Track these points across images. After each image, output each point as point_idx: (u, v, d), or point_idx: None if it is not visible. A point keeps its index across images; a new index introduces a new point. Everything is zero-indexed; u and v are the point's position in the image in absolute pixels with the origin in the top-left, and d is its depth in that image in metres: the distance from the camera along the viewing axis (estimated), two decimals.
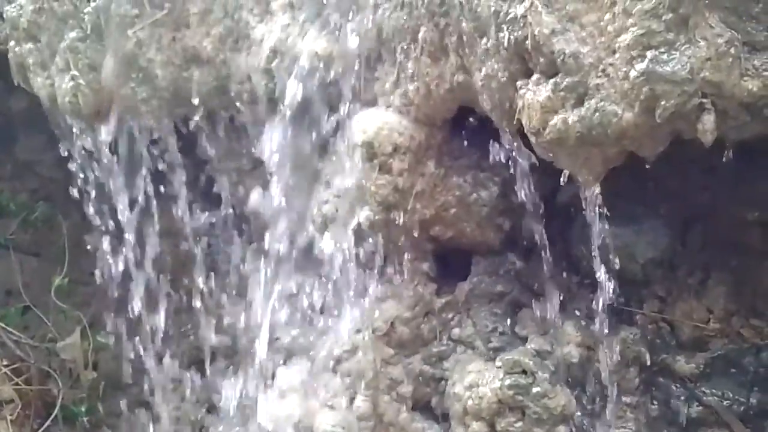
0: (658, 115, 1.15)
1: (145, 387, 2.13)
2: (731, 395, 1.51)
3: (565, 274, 1.59)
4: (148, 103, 1.79)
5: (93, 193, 1.97)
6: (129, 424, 2.21)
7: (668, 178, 1.46)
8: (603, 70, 1.18)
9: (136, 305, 2.05)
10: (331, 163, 1.62)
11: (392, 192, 1.53)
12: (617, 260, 1.45)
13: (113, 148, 1.89)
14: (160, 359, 2.12)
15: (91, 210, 1.99)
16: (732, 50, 1.11)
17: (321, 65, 1.55)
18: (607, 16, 1.17)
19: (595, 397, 1.57)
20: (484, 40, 1.31)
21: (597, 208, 1.35)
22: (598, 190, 1.32)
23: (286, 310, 1.73)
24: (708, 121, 1.14)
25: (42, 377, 2.32)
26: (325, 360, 1.70)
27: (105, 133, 1.86)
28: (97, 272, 2.05)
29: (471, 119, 1.50)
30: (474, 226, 1.59)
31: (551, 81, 1.23)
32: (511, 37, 1.26)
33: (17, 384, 2.27)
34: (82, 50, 1.80)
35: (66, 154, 1.95)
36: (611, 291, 1.45)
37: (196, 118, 1.80)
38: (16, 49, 1.90)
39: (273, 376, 1.77)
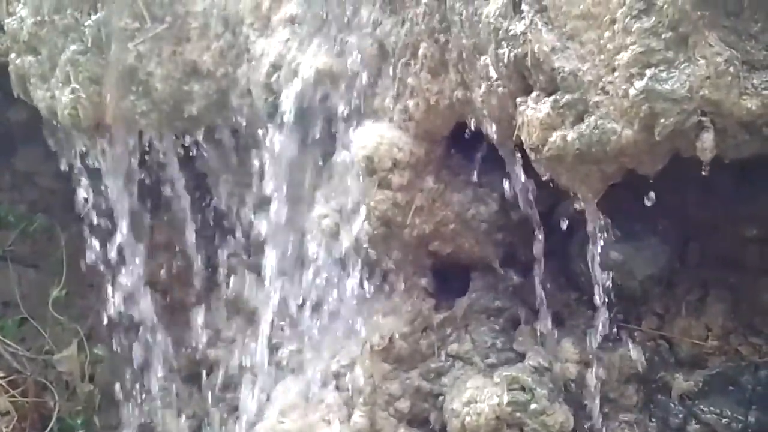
0: (657, 133, 1.15)
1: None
2: (729, 413, 1.50)
3: (563, 291, 1.59)
4: (148, 116, 1.79)
5: (91, 205, 1.98)
6: None
7: (667, 196, 1.46)
8: (602, 88, 1.19)
9: (133, 318, 2.05)
10: (330, 177, 1.62)
11: (391, 207, 1.53)
12: (616, 277, 1.45)
13: (112, 161, 1.89)
14: (156, 372, 2.11)
15: (88, 221, 1.99)
16: (731, 69, 1.11)
17: (321, 80, 1.55)
18: (607, 34, 1.17)
19: (593, 414, 1.56)
20: (484, 56, 1.32)
21: (596, 225, 1.36)
22: (596, 206, 1.32)
23: (284, 324, 1.72)
24: (707, 139, 1.14)
25: (38, 389, 2.32)
26: (323, 375, 1.70)
27: (104, 145, 1.86)
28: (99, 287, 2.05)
29: (470, 135, 1.50)
30: (473, 241, 1.58)
31: (551, 98, 1.23)
32: (511, 54, 1.26)
33: (13, 396, 2.27)
34: (83, 63, 1.80)
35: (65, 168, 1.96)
36: (610, 308, 1.46)
37: (196, 131, 1.80)
38: (17, 61, 1.91)
39: (271, 391, 1.76)
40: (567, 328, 1.59)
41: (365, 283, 1.61)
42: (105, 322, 2.10)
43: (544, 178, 1.33)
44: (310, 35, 1.58)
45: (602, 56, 1.18)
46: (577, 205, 1.34)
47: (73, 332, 2.30)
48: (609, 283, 1.45)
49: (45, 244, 2.38)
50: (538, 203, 1.47)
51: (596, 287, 1.45)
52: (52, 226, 2.34)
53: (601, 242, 1.39)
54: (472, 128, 1.45)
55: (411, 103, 1.49)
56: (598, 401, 1.53)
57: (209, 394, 2.08)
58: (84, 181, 1.97)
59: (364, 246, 1.57)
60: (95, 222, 2.00)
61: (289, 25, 1.60)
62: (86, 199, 1.97)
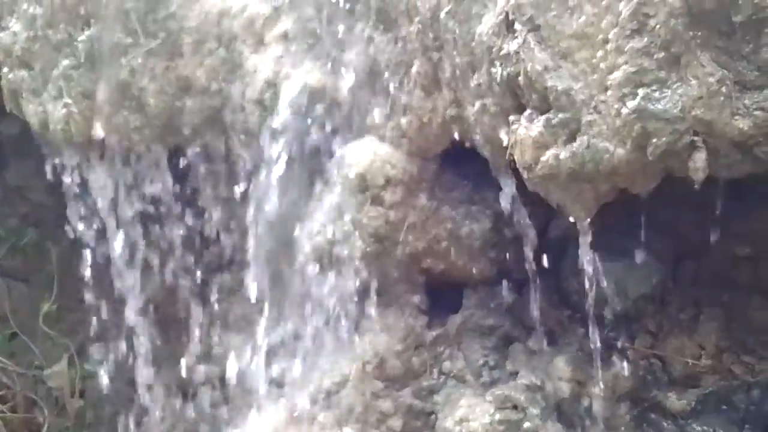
0: (649, 153, 1.15)
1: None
2: None
3: (556, 309, 1.59)
4: (140, 131, 1.79)
5: (83, 220, 1.97)
6: None
7: (660, 214, 1.47)
8: (595, 107, 1.19)
9: (125, 333, 2.04)
10: (323, 194, 1.62)
11: (384, 224, 1.53)
12: (609, 295, 1.45)
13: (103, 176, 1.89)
14: (148, 388, 2.10)
15: (80, 230, 1.99)
16: (723, 89, 1.12)
17: (314, 97, 1.55)
18: (600, 54, 1.18)
19: None
20: (477, 75, 1.32)
21: (588, 243, 1.36)
22: (589, 224, 1.32)
23: (276, 341, 1.72)
24: (699, 159, 1.14)
25: (28, 405, 2.30)
26: (315, 393, 1.69)
27: (95, 160, 1.86)
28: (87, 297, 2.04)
29: (463, 153, 1.50)
30: (466, 259, 1.58)
31: (543, 117, 1.23)
32: (504, 72, 1.26)
33: (2, 412, 2.25)
34: (76, 78, 1.80)
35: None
36: (603, 326, 1.46)
37: (189, 146, 1.80)
38: (10, 75, 1.91)
39: (262, 409, 1.75)
40: (560, 346, 1.58)
41: (357, 300, 1.61)
42: (96, 337, 2.09)
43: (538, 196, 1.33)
44: (304, 52, 1.58)
45: (595, 75, 1.18)
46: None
47: (64, 347, 2.28)
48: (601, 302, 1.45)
49: (36, 258, 2.36)
50: (531, 221, 1.47)
51: (588, 305, 1.45)
52: (43, 240, 2.32)
53: (594, 260, 1.39)
54: (465, 146, 1.46)
55: (404, 120, 1.50)
56: (600, 421, 1.52)
57: (201, 411, 2.07)
58: (75, 195, 1.96)
59: (357, 263, 1.57)
60: (87, 237, 1.99)
61: (282, 41, 1.61)
62: (78, 214, 1.96)
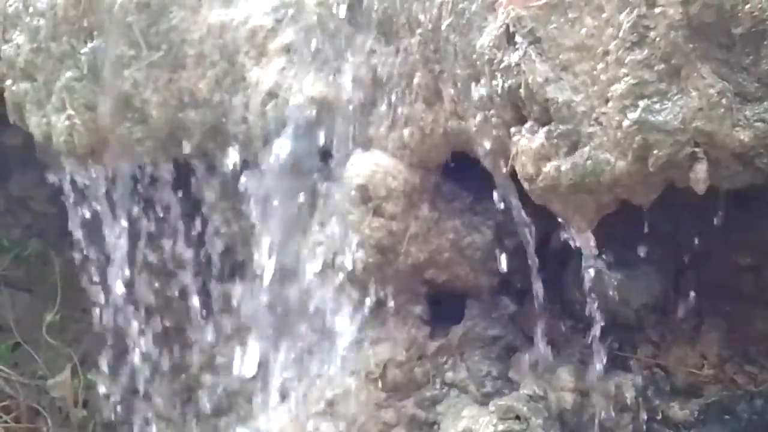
0: (650, 164, 1.16)
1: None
2: None
3: (558, 319, 1.59)
4: (143, 143, 1.79)
5: (85, 230, 1.98)
6: None
7: (662, 224, 1.47)
8: (596, 119, 1.19)
9: (128, 344, 2.04)
10: (325, 205, 1.62)
11: (386, 235, 1.54)
12: (611, 305, 1.45)
13: (107, 187, 1.90)
14: (151, 398, 2.10)
15: (82, 246, 2.00)
16: (724, 101, 1.12)
17: (316, 108, 1.56)
18: (600, 66, 1.18)
19: None
20: (478, 87, 1.32)
21: (591, 254, 1.36)
22: (591, 236, 1.33)
23: (278, 351, 1.72)
24: (700, 170, 1.15)
25: (31, 415, 2.31)
26: (317, 403, 1.69)
27: (98, 172, 1.87)
28: (94, 311, 2.05)
29: (464, 164, 1.51)
30: (468, 269, 1.59)
31: (544, 128, 1.24)
32: (505, 84, 1.27)
33: (6, 422, 2.26)
34: (79, 90, 1.81)
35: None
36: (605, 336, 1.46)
37: (192, 158, 1.81)
38: (13, 87, 1.92)
39: (264, 419, 1.75)
40: (562, 357, 1.58)
41: (360, 311, 1.61)
42: (99, 346, 2.09)
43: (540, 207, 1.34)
44: (306, 64, 1.59)
45: (596, 87, 1.19)
46: (568, 234, 1.35)
47: (67, 357, 2.29)
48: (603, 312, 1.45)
49: (39, 268, 2.37)
50: (534, 232, 1.47)
51: (594, 315, 1.45)
52: (47, 250, 2.33)
53: (595, 271, 1.39)
54: (467, 157, 1.46)
55: (406, 132, 1.50)
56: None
57: (204, 420, 2.07)
58: (77, 205, 1.97)
59: (359, 274, 1.57)
60: (89, 247, 2.00)
61: (284, 53, 1.61)
62: (80, 225, 1.97)
